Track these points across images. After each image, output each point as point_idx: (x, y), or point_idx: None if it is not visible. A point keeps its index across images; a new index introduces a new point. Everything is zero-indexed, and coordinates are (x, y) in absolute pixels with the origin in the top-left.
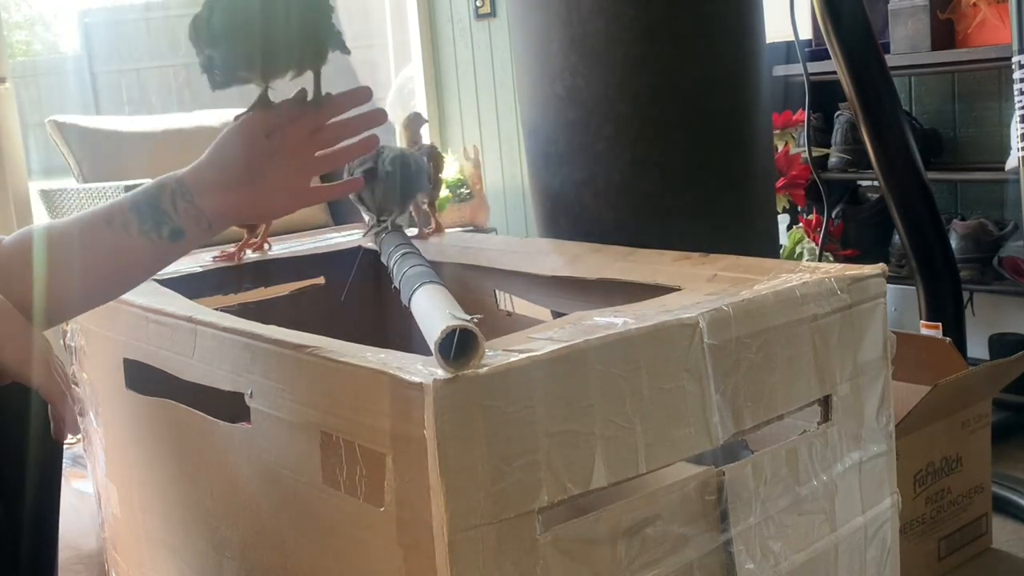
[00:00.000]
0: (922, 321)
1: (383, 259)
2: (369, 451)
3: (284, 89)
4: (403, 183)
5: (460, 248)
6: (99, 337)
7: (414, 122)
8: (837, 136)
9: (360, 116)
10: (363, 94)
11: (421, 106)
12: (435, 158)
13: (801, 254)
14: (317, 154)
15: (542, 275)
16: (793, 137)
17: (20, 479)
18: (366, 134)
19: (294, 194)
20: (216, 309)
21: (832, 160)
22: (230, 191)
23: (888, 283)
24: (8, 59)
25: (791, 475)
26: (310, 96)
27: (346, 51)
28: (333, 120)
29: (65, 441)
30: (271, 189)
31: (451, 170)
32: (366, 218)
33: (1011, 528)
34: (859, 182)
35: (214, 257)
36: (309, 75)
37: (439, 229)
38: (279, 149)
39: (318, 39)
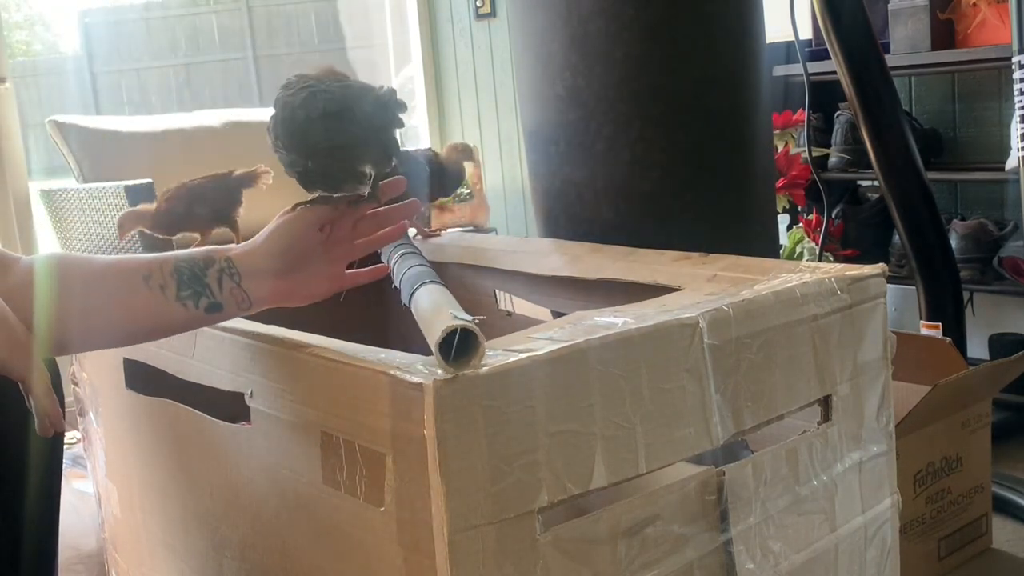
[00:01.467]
0: (922, 321)
1: (383, 259)
2: (369, 451)
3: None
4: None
5: (460, 248)
6: None
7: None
8: (837, 136)
9: (397, 207)
10: (400, 184)
11: (421, 106)
12: (448, 161)
13: (801, 254)
14: (357, 242)
15: (542, 275)
16: (793, 137)
17: (20, 479)
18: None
19: (333, 281)
20: None
21: (832, 160)
22: (278, 278)
23: (888, 283)
24: (8, 59)
25: (791, 475)
26: (365, 192)
27: (402, 161)
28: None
29: (52, 433)
30: (315, 277)
31: None
32: None
33: (1011, 528)
34: (859, 182)
35: None
36: None
37: (436, 232)
38: (326, 241)
39: (386, 153)
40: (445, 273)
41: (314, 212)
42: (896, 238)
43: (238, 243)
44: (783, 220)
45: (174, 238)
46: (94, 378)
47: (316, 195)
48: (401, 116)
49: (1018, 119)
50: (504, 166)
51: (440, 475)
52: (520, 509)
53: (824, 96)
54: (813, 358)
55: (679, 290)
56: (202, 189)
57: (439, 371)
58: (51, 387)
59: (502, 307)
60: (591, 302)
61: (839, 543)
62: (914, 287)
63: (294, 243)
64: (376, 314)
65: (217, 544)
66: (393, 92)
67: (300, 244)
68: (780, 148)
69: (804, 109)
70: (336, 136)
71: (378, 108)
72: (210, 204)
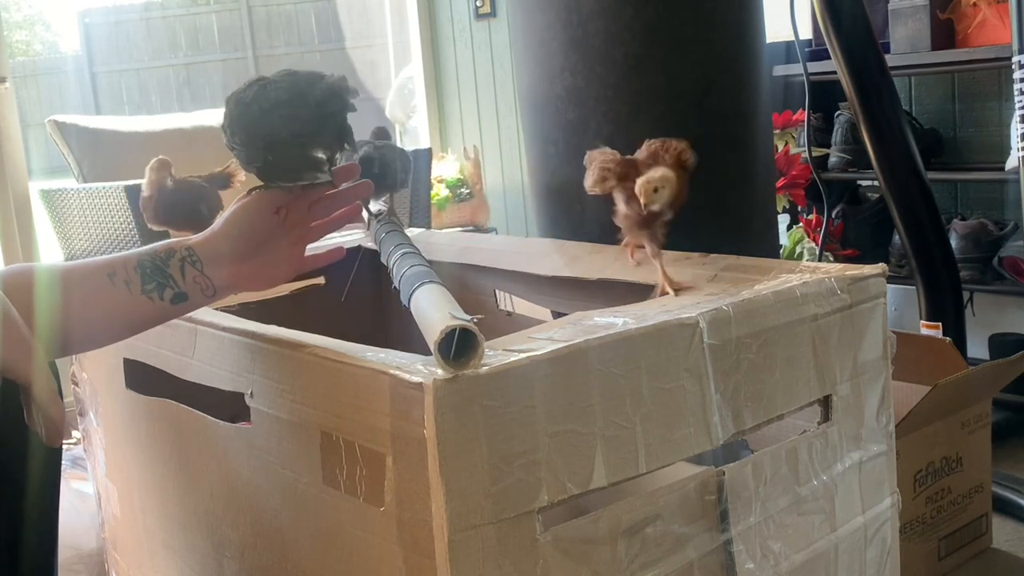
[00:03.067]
0: (922, 321)
1: (383, 259)
2: (369, 451)
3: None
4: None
5: (460, 248)
6: None
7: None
8: (837, 136)
9: (351, 188)
10: (353, 170)
11: (421, 106)
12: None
13: (801, 254)
14: (312, 224)
15: (542, 275)
16: (793, 137)
17: (20, 479)
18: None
19: (293, 263)
20: (216, 309)
21: (832, 160)
22: (239, 262)
23: (888, 283)
24: (8, 59)
25: (791, 475)
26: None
27: (354, 148)
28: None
29: (61, 444)
30: (275, 260)
31: (451, 170)
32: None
33: (1011, 528)
34: (859, 182)
35: None
36: None
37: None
38: (283, 223)
39: (340, 138)
40: (445, 273)
41: (269, 195)
42: (896, 238)
43: None
44: (783, 220)
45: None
46: (94, 378)
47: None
48: (352, 101)
49: (1018, 119)
50: (504, 166)
51: (440, 475)
52: (520, 509)
53: (824, 96)
54: (813, 358)
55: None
56: (178, 189)
57: (439, 371)
58: (56, 393)
59: (502, 307)
60: (591, 302)
61: (839, 543)
62: (914, 287)
63: (251, 227)
64: (376, 314)
65: (217, 544)
66: (344, 79)
67: (257, 227)
68: (780, 148)
69: (804, 109)
70: (291, 124)
71: (329, 95)
72: (188, 202)
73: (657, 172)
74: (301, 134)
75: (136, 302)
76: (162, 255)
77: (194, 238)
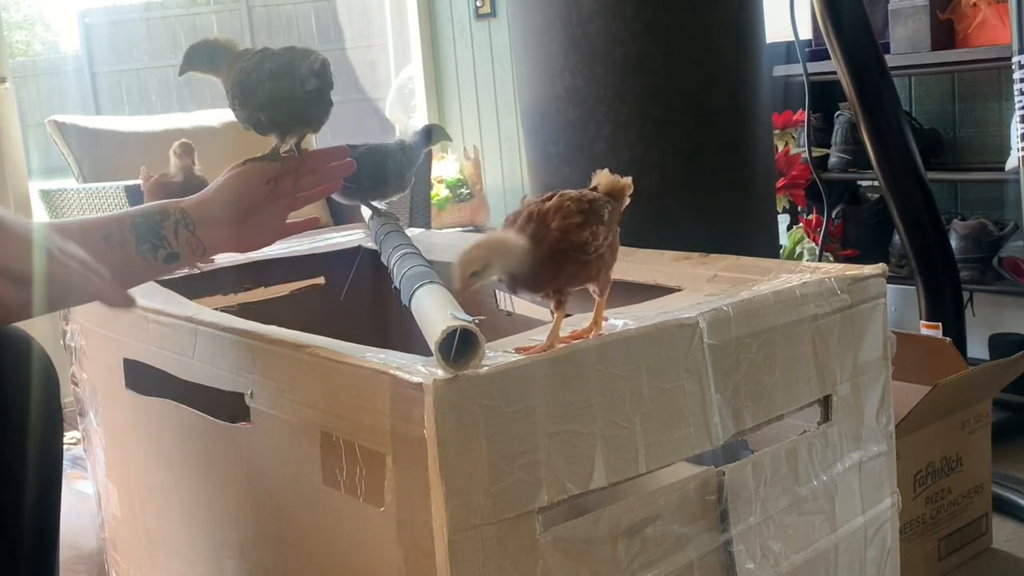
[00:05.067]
0: (922, 321)
1: (383, 259)
2: (369, 451)
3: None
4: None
5: (460, 248)
6: (99, 337)
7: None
8: (837, 136)
9: (335, 166)
10: (342, 151)
11: (421, 106)
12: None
13: (801, 254)
14: (297, 195)
15: None
16: (793, 137)
17: (20, 480)
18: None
19: (276, 230)
20: (216, 309)
21: (832, 160)
22: (229, 226)
23: (888, 283)
24: (8, 59)
25: (791, 475)
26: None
27: (326, 118)
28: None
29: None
30: (261, 226)
31: (451, 170)
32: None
33: (1011, 528)
34: (859, 182)
35: None
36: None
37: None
38: (272, 193)
39: (324, 118)
40: (445, 273)
41: (262, 167)
42: (896, 238)
43: None
44: (783, 220)
45: None
46: (94, 378)
47: (267, 152)
48: (331, 79)
49: (1018, 119)
50: (504, 166)
51: (440, 475)
52: (520, 509)
53: (824, 96)
54: (813, 358)
55: (679, 290)
56: (172, 183)
57: (439, 371)
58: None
59: (502, 307)
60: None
61: (839, 543)
62: (914, 287)
63: (244, 194)
64: (376, 314)
65: (217, 544)
66: (326, 61)
67: (249, 195)
68: (780, 148)
69: (804, 109)
70: (281, 92)
71: (312, 72)
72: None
73: (479, 250)
74: (290, 99)
75: (131, 261)
76: (156, 217)
77: (187, 201)
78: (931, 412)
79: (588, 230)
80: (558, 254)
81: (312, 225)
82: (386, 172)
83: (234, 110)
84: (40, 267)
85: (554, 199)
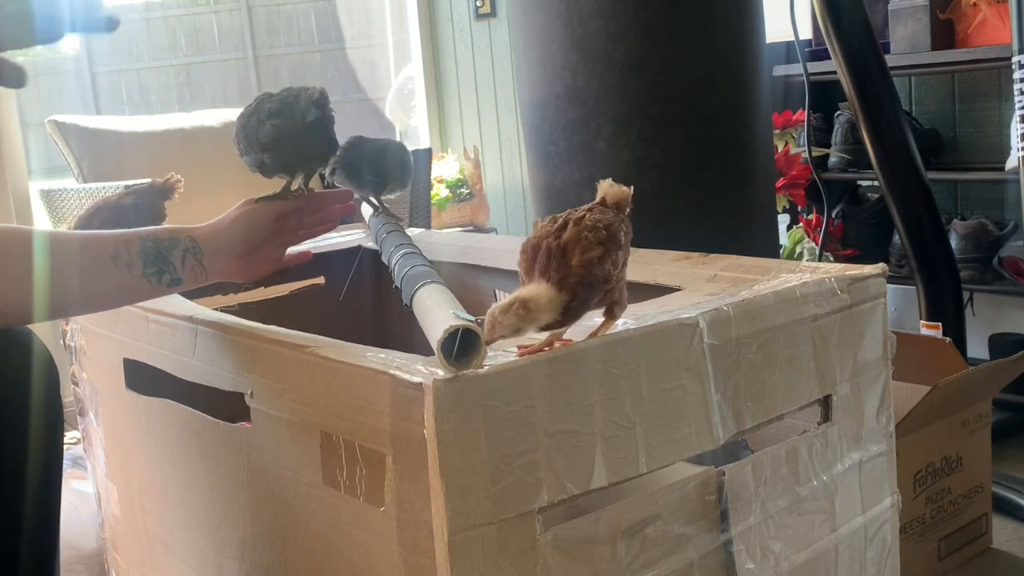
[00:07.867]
0: (922, 321)
1: (384, 259)
2: (369, 451)
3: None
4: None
5: (460, 248)
6: (99, 337)
7: None
8: (837, 136)
9: (337, 208)
10: (345, 195)
11: (421, 106)
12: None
13: (801, 254)
14: (299, 232)
15: None
16: (793, 137)
17: (20, 479)
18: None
19: (275, 263)
20: (216, 309)
21: (832, 160)
22: (235, 258)
23: (888, 283)
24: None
25: (791, 475)
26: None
27: (331, 154)
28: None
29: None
30: (263, 259)
31: (451, 170)
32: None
33: (1011, 528)
34: (859, 182)
35: None
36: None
37: None
38: (277, 229)
39: (328, 151)
40: (445, 273)
41: (274, 205)
42: (896, 238)
43: None
44: (783, 220)
45: None
46: (94, 378)
47: (278, 191)
48: (332, 112)
49: (1018, 119)
50: (504, 166)
51: (440, 475)
52: (520, 509)
53: (824, 96)
54: (813, 358)
55: (679, 290)
56: (122, 204)
57: (439, 371)
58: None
59: None
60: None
61: (839, 543)
62: (914, 287)
63: (255, 230)
64: (376, 314)
65: (217, 544)
66: (324, 91)
67: (259, 231)
68: (780, 148)
69: (804, 109)
70: (280, 131)
71: (312, 103)
72: (133, 220)
73: (507, 317)
74: (290, 135)
75: (134, 282)
76: (165, 243)
77: (198, 230)
78: (931, 412)
79: (609, 260)
80: (583, 289)
81: (304, 259)
82: (386, 163)
83: (241, 156)
84: (42, 275)
85: (569, 229)
